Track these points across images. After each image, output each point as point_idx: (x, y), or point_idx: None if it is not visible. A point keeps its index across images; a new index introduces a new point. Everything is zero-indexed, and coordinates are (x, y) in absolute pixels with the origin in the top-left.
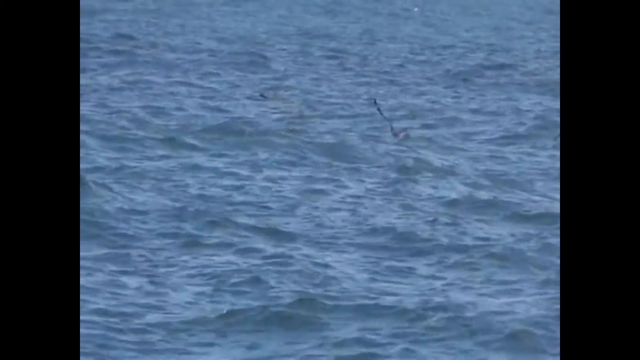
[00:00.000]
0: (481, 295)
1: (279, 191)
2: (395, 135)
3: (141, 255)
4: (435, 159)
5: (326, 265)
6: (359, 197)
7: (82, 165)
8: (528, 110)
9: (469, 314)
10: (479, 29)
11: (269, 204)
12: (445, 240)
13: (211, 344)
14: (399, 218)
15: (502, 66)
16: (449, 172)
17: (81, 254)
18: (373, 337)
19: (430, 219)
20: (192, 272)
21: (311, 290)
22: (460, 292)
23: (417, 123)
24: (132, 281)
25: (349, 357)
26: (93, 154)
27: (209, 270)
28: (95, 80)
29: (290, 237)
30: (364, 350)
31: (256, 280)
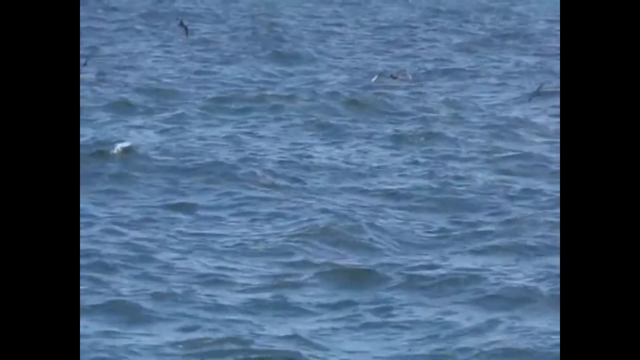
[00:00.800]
0: (489, 258)
1: (304, 153)
2: (394, 77)
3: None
4: (451, 117)
5: (352, 227)
6: (376, 156)
7: (117, 129)
8: (538, 72)
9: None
10: None
11: (292, 167)
12: (464, 196)
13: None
14: (418, 177)
15: (510, 29)
16: (465, 129)
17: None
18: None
19: (451, 175)
20: (224, 236)
21: (338, 254)
22: (470, 252)
23: (431, 84)
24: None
25: (363, 313)
26: (129, 120)
27: (233, 235)
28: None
29: (311, 191)
30: (377, 308)
31: (283, 248)
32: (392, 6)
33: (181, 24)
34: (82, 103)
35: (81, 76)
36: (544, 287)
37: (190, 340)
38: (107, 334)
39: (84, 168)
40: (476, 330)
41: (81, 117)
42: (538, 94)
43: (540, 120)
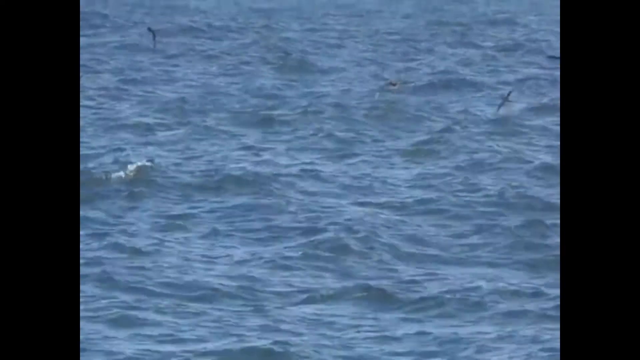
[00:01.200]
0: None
1: (312, 166)
2: (394, 85)
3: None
4: (457, 128)
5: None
6: (384, 168)
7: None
8: (544, 83)
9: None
10: (496, 2)
11: (301, 179)
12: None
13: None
14: (425, 188)
15: (514, 41)
16: (471, 140)
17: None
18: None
19: (459, 188)
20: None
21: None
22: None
23: (436, 95)
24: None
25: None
26: (137, 137)
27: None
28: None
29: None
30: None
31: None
32: (396, 18)
33: (149, 30)
34: (89, 122)
35: (87, 92)
36: (555, 300)
37: (188, 350)
38: (108, 341)
39: (94, 186)
40: (481, 343)
41: (89, 135)
42: (508, 100)
43: (547, 127)
